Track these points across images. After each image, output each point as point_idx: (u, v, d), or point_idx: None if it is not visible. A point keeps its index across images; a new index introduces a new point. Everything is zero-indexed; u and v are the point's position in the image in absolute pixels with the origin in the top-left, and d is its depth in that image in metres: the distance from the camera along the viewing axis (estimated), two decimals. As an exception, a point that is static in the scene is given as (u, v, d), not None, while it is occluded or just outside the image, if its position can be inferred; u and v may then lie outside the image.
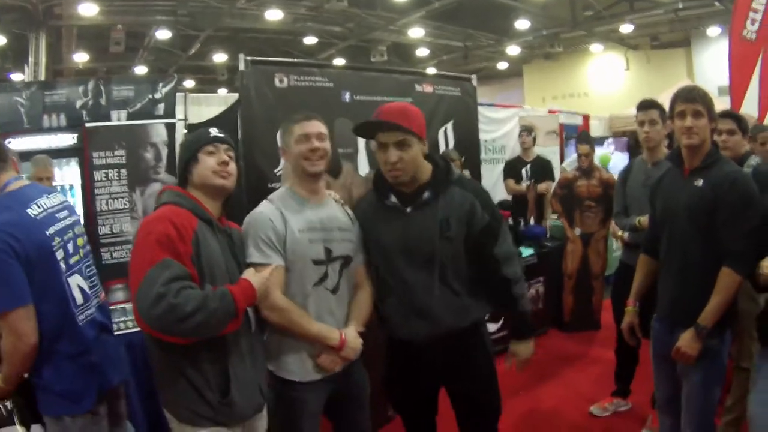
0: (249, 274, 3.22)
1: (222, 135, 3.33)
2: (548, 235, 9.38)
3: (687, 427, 3.90)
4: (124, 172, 8.28)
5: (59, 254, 3.44)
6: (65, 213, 3.63)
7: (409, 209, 3.69)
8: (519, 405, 5.85)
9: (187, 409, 3.09)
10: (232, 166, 3.31)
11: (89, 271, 3.70)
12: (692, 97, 3.79)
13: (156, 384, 3.31)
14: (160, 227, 2.96)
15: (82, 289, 3.56)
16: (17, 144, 8.20)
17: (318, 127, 3.60)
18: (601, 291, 8.66)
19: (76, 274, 3.56)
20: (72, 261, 3.54)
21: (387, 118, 3.54)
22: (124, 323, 5.09)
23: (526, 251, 8.56)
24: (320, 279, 3.53)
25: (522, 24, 18.64)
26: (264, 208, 3.53)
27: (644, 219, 4.99)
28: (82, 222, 3.90)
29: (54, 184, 6.93)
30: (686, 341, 3.72)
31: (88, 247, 3.82)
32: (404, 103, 3.95)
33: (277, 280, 3.37)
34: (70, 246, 3.54)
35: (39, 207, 3.46)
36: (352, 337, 3.55)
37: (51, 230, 3.43)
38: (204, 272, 3.07)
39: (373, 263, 3.83)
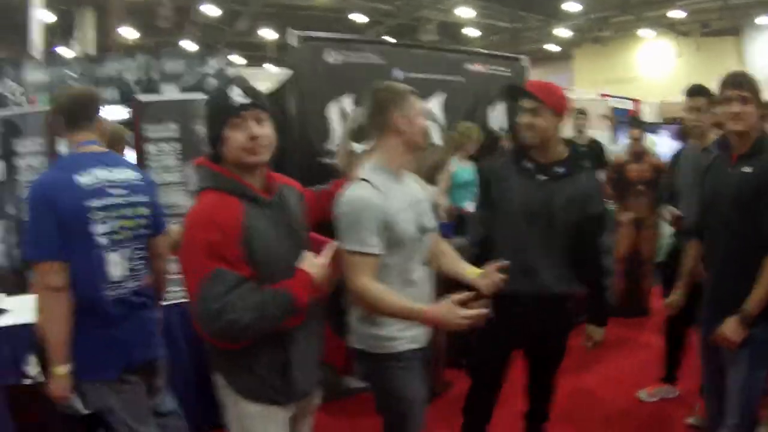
0: (307, 264, 2.93)
1: (248, 100, 2.83)
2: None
3: (730, 416, 3.86)
4: (177, 145, 8.32)
5: (100, 228, 3.50)
6: (124, 191, 3.65)
7: (542, 177, 4.03)
8: (567, 386, 5.77)
9: (244, 385, 2.97)
10: (266, 133, 2.87)
11: (138, 254, 3.72)
12: (738, 83, 3.77)
13: (209, 356, 3.08)
14: (203, 234, 2.69)
15: (121, 267, 3.61)
16: None
17: None
18: (651, 276, 8.55)
19: (119, 252, 3.60)
20: (116, 238, 3.58)
21: (529, 88, 4.06)
22: (181, 293, 5.06)
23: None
24: (420, 256, 3.46)
25: (571, 6, 18.45)
26: (363, 191, 3.23)
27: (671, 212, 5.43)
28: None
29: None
30: (730, 327, 3.70)
31: (144, 232, 3.78)
32: (552, 83, 4.21)
33: (371, 269, 3.21)
34: (117, 223, 3.59)
35: (92, 176, 3.52)
36: (445, 308, 3.14)
37: (95, 202, 3.49)
38: (261, 265, 2.80)
39: (486, 218, 4.26)
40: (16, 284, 7.07)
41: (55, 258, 3.37)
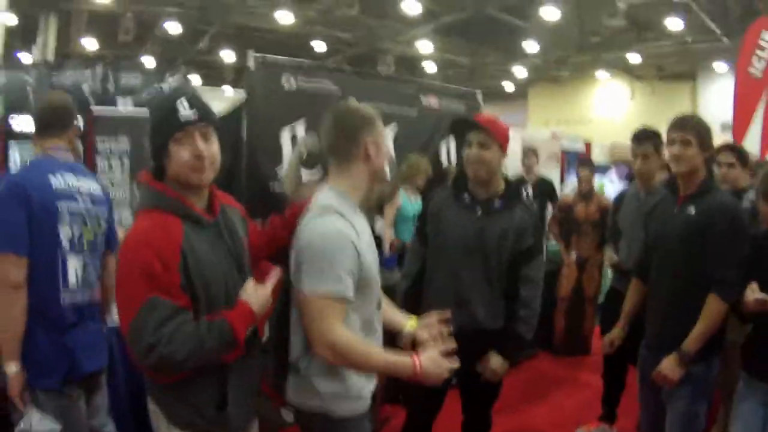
0: (248, 293, 2.74)
1: (193, 115, 2.64)
2: (544, 258, 9.32)
3: (670, 455, 3.90)
4: (127, 161, 8.28)
5: (65, 231, 3.56)
6: (88, 200, 3.74)
7: (479, 212, 4.13)
8: (506, 423, 5.81)
9: (178, 414, 2.76)
10: (213, 151, 2.72)
11: (92, 265, 3.75)
12: (682, 125, 3.89)
13: (145, 382, 2.91)
14: (141, 259, 2.51)
15: (78, 273, 3.62)
16: (22, 123, 8.30)
17: None
18: (593, 316, 8.59)
19: (78, 258, 3.63)
20: (77, 244, 3.63)
21: (479, 121, 4.15)
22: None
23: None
24: (379, 299, 3.19)
25: (529, 45, 18.64)
26: (339, 224, 2.88)
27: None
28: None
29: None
30: (668, 365, 3.77)
31: (100, 245, 3.86)
32: (497, 118, 4.32)
33: (342, 315, 2.84)
34: (78, 230, 3.63)
35: (62, 180, 3.61)
36: (430, 359, 2.93)
37: (63, 205, 3.56)
38: (199, 292, 2.64)
39: (421, 252, 4.34)
40: None
41: (20, 252, 3.39)
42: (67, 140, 3.85)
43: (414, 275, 4.36)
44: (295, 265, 2.92)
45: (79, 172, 3.78)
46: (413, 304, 3.98)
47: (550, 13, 15.54)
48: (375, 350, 2.94)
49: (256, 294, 2.75)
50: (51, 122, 3.79)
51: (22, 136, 8.53)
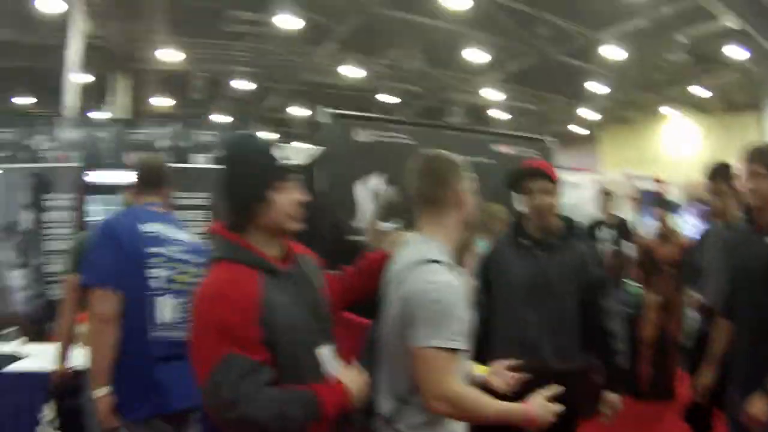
0: (348, 377, 2.64)
1: (290, 164, 2.80)
2: (626, 301, 9.19)
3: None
4: (206, 214, 8.44)
5: (154, 272, 3.77)
6: (180, 248, 3.96)
7: (540, 252, 4.19)
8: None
9: None
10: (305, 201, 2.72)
11: (185, 308, 3.84)
12: (754, 157, 3.82)
13: None
14: (218, 313, 2.44)
15: (168, 313, 3.81)
16: (97, 177, 8.52)
17: None
18: (676, 359, 8.38)
19: (167, 298, 3.81)
20: (167, 286, 3.83)
21: (543, 170, 4.27)
22: None
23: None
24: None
25: (595, 87, 18.58)
26: (449, 276, 2.79)
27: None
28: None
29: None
30: (756, 405, 3.60)
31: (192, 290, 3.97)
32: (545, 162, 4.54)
33: (456, 365, 2.76)
34: (170, 273, 3.84)
35: (152, 228, 3.85)
36: (538, 404, 2.84)
37: (153, 249, 3.79)
38: (281, 346, 2.51)
39: (485, 299, 4.26)
40: (36, 332, 7.28)
41: (111, 287, 3.60)
42: (162, 196, 4.15)
43: (480, 322, 4.24)
44: (400, 316, 2.76)
45: (170, 223, 4.03)
46: (479, 350, 3.86)
47: (613, 53, 15.53)
48: (486, 400, 2.78)
49: (356, 380, 2.66)
50: (149, 180, 4.11)
51: (99, 190, 8.76)
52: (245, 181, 2.61)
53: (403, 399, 2.83)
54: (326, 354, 2.70)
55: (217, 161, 2.72)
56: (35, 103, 19.78)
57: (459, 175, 3.00)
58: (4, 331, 6.75)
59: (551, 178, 4.18)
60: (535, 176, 4.22)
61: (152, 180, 4.15)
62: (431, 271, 2.75)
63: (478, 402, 2.73)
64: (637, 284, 8.58)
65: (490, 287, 4.32)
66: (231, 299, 2.45)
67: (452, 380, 2.69)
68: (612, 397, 4.13)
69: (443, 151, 3.13)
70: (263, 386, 2.42)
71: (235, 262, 2.57)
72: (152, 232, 3.85)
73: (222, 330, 2.41)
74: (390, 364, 2.91)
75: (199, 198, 8.53)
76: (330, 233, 5.69)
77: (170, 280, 3.84)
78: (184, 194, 8.37)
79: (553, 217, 4.25)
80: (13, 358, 5.31)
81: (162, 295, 3.80)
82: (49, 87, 16.68)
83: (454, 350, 2.68)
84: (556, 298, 4.11)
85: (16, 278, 8.61)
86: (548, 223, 4.21)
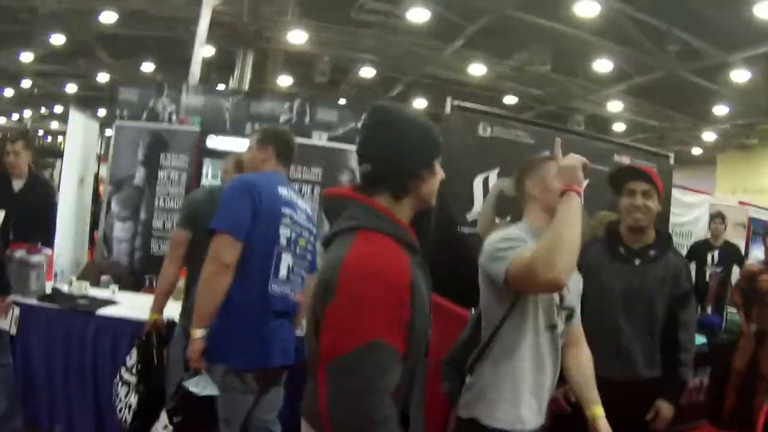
0: None
1: None
2: (723, 327, 9.13)
3: None
4: (317, 189, 8.77)
5: (285, 231, 4.02)
6: (303, 215, 4.24)
7: (637, 262, 4.24)
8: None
9: None
10: None
11: (300, 270, 4.18)
12: None
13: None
14: (377, 291, 2.22)
15: (288, 269, 4.04)
16: (218, 143, 8.92)
17: None
18: (764, 392, 8.24)
19: (290, 257, 4.06)
20: (292, 245, 4.09)
21: (643, 169, 4.35)
22: None
23: (699, 339, 8.19)
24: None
25: (720, 110, 18.25)
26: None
27: None
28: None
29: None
30: None
31: (308, 256, 4.34)
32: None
33: None
34: (294, 235, 4.10)
35: (286, 192, 4.14)
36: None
37: (286, 210, 4.05)
38: (415, 333, 2.32)
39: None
40: (132, 283, 7.88)
41: (236, 235, 3.80)
42: (287, 169, 4.44)
43: None
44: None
45: (296, 193, 4.32)
46: None
47: (740, 76, 15.29)
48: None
49: None
50: (283, 152, 4.34)
51: (215, 155, 9.29)
52: (418, 147, 2.51)
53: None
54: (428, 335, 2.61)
55: (378, 124, 2.52)
56: (161, 72, 20.45)
57: (532, 170, 3.31)
58: (104, 277, 7.16)
59: (655, 184, 4.19)
60: (637, 178, 4.24)
61: (286, 152, 4.39)
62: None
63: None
64: (737, 311, 8.51)
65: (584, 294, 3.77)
66: (388, 275, 2.27)
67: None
68: (664, 406, 4.13)
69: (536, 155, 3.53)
70: (389, 413, 2.20)
71: (381, 234, 2.39)
72: (287, 196, 4.11)
73: (377, 310, 2.21)
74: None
75: (314, 174, 8.87)
76: (444, 223, 5.84)
77: (293, 242, 4.08)
78: (302, 168, 8.78)
79: (650, 225, 4.26)
80: (108, 302, 5.66)
81: (287, 252, 4.03)
82: (175, 58, 17.46)
83: None
84: (649, 307, 4.19)
85: (123, 230, 9.19)
86: (642, 228, 4.23)
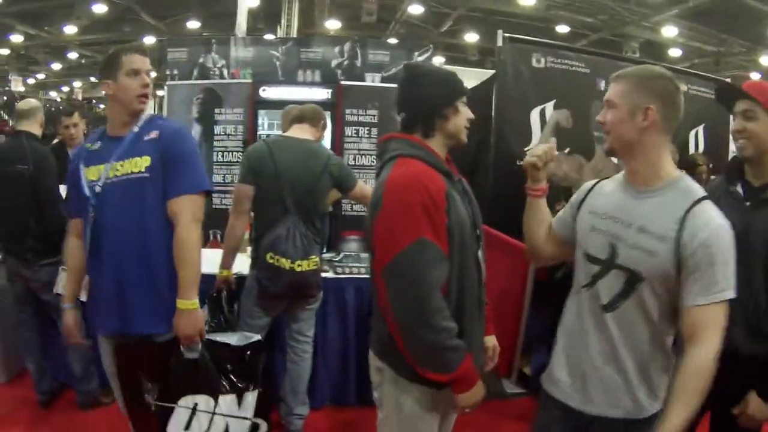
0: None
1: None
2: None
3: None
4: (374, 130, 8.82)
5: None
6: None
7: (748, 203, 3.25)
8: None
9: (409, 367, 2.78)
10: None
11: None
12: None
13: (375, 332, 3.05)
14: (417, 197, 2.63)
15: None
16: (272, 93, 8.94)
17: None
18: None
19: None
20: None
21: (745, 88, 3.28)
22: (357, 269, 5.47)
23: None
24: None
25: (775, 31, 17.82)
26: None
27: None
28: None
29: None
30: None
31: None
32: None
33: None
34: None
35: None
36: None
37: None
38: (455, 238, 2.73)
39: None
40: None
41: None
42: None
43: None
44: (695, 263, 2.47)
45: None
46: None
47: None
48: None
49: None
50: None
51: (269, 105, 9.34)
52: (437, 92, 2.93)
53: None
54: (480, 257, 2.97)
55: (405, 80, 2.99)
56: (207, 28, 20.53)
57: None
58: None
59: (753, 98, 3.19)
60: (738, 96, 3.28)
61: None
62: (711, 211, 2.55)
63: None
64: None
65: None
66: (427, 186, 2.67)
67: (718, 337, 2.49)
68: (755, 401, 3.14)
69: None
70: (443, 305, 2.67)
71: (418, 159, 2.81)
72: None
73: (419, 213, 2.62)
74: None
75: (370, 116, 8.87)
76: (502, 157, 5.75)
77: None
78: (358, 110, 8.79)
79: (763, 153, 3.20)
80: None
81: None
82: (220, 12, 17.63)
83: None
84: (752, 262, 3.10)
85: None
86: (749, 157, 3.24)
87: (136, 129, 3.48)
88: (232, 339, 3.80)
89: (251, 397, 3.69)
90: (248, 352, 3.76)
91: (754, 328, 3.16)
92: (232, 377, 3.67)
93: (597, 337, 2.72)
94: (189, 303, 3.42)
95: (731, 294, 2.47)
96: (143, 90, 3.43)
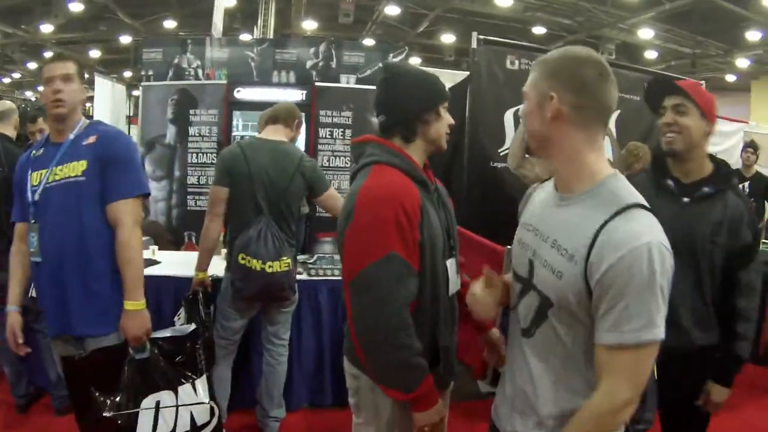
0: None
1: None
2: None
3: None
4: (349, 132, 8.87)
5: None
6: None
7: (685, 199, 3.31)
8: None
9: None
10: None
11: None
12: None
13: (347, 340, 2.91)
14: (390, 213, 2.50)
15: None
16: (246, 94, 9.02)
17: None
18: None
19: None
20: None
21: (679, 84, 3.33)
22: (331, 271, 5.49)
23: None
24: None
25: (753, 36, 17.94)
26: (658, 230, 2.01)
27: None
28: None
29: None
30: None
31: None
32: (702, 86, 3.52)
33: None
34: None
35: None
36: None
37: None
38: (426, 253, 2.63)
39: None
40: (172, 241, 8.13)
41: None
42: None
43: None
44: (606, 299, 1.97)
45: None
46: None
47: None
48: None
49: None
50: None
51: (244, 106, 9.42)
52: (419, 95, 2.81)
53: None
54: (451, 266, 2.86)
55: (385, 80, 2.86)
56: (184, 28, 20.50)
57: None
58: (143, 238, 7.22)
59: (686, 94, 3.26)
60: (671, 92, 3.32)
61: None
62: (636, 221, 2.02)
63: None
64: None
65: None
66: (402, 202, 2.54)
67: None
68: (716, 389, 3.33)
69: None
70: (409, 322, 2.54)
71: (393, 167, 2.71)
72: None
73: (392, 229, 2.51)
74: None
75: (344, 117, 8.92)
76: (476, 158, 5.79)
77: None
78: (332, 112, 8.85)
79: (694, 150, 3.28)
80: (150, 262, 5.61)
81: None
82: (197, 12, 17.61)
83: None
84: (696, 258, 3.23)
85: (159, 189, 9.37)
86: (678, 152, 3.29)
87: (72, 136, 3.59)
88: (167, 332, 3.88)
89: (201, 383, 3.81)
90: (188, 343, 3.84)
91: (705, 320, 3.31)
92: (182, 368, 3.77)
93: (520, 363, 2.35)
94: (136, 304, 3.49)
95: (653, 335, 1.94)
96: (54, 96, 3.51)
